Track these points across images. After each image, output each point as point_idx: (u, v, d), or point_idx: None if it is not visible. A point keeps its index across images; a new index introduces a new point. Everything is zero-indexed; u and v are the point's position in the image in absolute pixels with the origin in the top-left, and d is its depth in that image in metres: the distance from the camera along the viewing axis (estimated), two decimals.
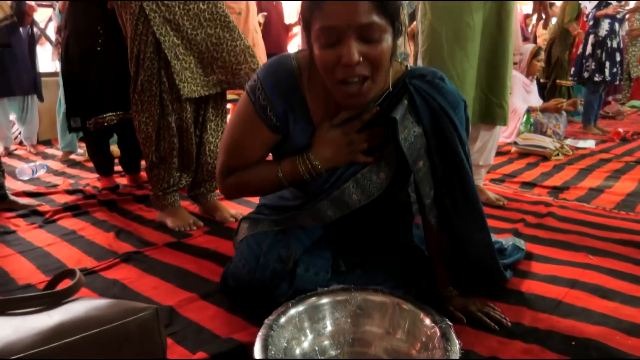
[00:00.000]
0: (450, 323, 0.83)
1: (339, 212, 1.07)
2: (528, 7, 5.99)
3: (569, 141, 3.38)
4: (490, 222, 1.68)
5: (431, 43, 1.75)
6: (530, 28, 6.70)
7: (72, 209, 1.97)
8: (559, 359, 0.89)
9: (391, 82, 0.99)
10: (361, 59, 0.87)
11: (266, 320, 0.86)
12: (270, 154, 1.12)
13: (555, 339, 0.96)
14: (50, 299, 0.80)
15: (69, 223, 1.82)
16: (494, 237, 1.39)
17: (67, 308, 0.78)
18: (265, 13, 3.56)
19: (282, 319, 0.88)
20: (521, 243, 1.41)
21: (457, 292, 1.08)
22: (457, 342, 0.79)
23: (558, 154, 2.90)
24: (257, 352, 0.78)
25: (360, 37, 0.86)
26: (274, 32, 3.82)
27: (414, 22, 2.05)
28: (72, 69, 2.15)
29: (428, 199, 1.02)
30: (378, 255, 1.15)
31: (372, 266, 1.11)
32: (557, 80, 4.79)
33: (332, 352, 0.89)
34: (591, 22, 4.02)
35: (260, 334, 0.83)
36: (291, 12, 4.85)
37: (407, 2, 3.67)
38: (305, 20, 0.92)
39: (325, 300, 0.94)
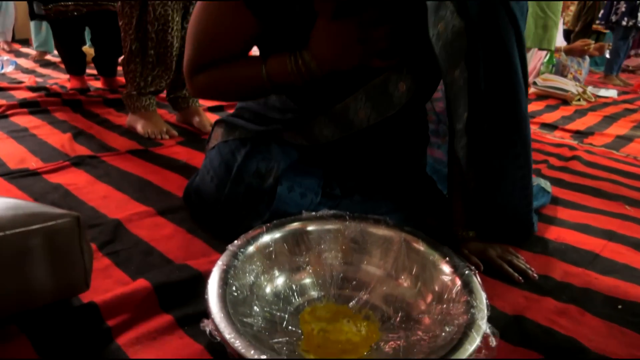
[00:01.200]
0: (475, 270, 0.62)
1: (339, 132, 0.83)
2: None
3: (590, 89, 3.11)
4: None
5: None
6: None
7: (30, 106, 1.71)
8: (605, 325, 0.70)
9: None
10: None
11: (229, 246, 0.64)
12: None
13: (596, 300, 0.76)
14: None
15: (23, 120, 1.57)
16: None
17: None
18: None
19: (251, 247, 0.66)
20: (547, 185, 1.19)
21: (473, 234, 0.87)
22: (483, 295, 0.58)
23: (579, 99, 2.64)
24: (212, 286, 0.57)
25: None
26: None
27: None
28: None
29: (460, 123, 0.76)
30: (382, 180, 0.92)
31: (374, 192, 0.89)
32: (593, 25, 4.36)
33: (314, 294, 0.69)
34: None
35: (219, 262, 0.61)
36: None
37: None
38: None
39: (310, 227, 0.72)
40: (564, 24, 4.30)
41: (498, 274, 0.81)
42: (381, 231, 0.72)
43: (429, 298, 0.64)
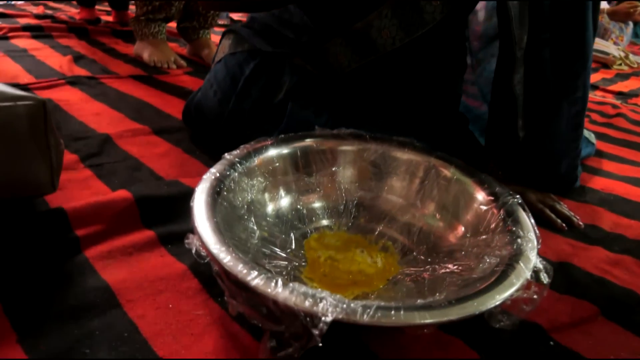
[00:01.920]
0: (520, 197, 0.51)
1: (357, 58, 0.71)
2: None
3: (632, 56, 2.89)
4: None
5: None
6: None
7: (33, 30, 1.60)
8: None
9: None
10: None
11: (226, 155, 0.54)
12: None
13: None
14: None
15: (24, 42, 1.47)
16: None
17: None
18: None
19: (253, 159, 0.55)
20: (591, 136, 1.05)
21: (512, 177, 0.75)
22: (532, 224, 0.47)
23: (621, 64, 2.45)
24: (200, 194, 0.46)
25: None
26: None
27: None
28: None
29: (520, 49, 0.65)
30: (411, 105, 0.80)
31: (401, 117, 0.77)
32: None
33: (323, 221, 0.58)
34: None
35: (212, 170, 0.50)
36: None
37: None
38: None
39: (325, 146, 0.61)
40: None
41: (539, 220, 0.69)
42: (406, 155, 0.60)
43: (461, 230, 0.53)
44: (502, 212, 0.49)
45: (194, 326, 0.42)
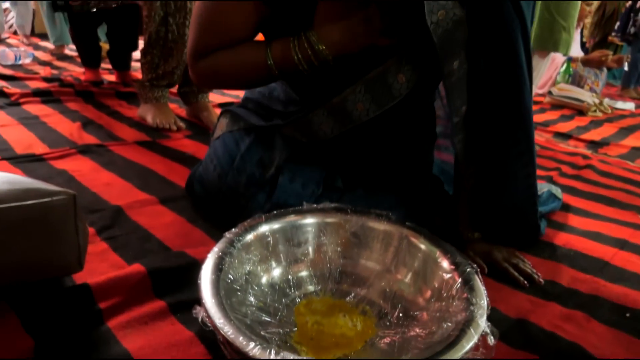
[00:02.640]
0: (477, 268, 0.60)
1: (338, 126, 0.81)
2: None
3: (606, 101, 3.06)
4: None
5: None
6: None
7: (42, 95, 1.72)
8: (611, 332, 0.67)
9: None
10: None
11: (227, 234, 0.63)
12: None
13: (603, 308, 0.73)
14: None
15: (35, 108, 1.58)
16: None
17: None
18: None
19: (249, 235, 0.65)
20: (557, 191, 1.16)
21: (479, 235, 0.85)
22: (484, 293, 0.56)
23: (595, 110, 2.59)
24: (206, 272, 0.55)
25: None
26: None
27: None
28: None
29: (457, 117, 0.75)
30: (386, 177, 0.90)
31: (377, 187, 0.87)
32: (609, 37, 4.32)
33: (310, 288, 0.67)
34: None
35: (215, 249, 0.60)
36: None
37: None
38: None
39: (310, 220, 0.70)
40: (581, 38, 4.25)
41: (503, 277, 0.79)
42: (382, 226, 0.70)
43: (428, 294, 0.62)
44: (461, 279, 0.59)
45: None
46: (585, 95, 2.66)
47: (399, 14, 0.72)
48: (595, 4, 4.31)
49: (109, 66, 2.33)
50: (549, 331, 0.65)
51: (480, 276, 0.59)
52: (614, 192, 1.30)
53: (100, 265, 0.69)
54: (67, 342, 0.54)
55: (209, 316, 0.49)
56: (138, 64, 1.94)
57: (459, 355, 0.47)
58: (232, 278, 0.58)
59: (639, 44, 3.62)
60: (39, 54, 3.03)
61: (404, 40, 0.74)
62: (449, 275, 0.61)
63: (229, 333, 0.47)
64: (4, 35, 3.72)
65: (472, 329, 0.50)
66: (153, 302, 0.62)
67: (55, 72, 2.38)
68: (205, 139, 1.39)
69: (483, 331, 0.50)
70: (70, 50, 3.19)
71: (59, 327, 0.55)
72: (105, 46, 2.43)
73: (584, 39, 4.52)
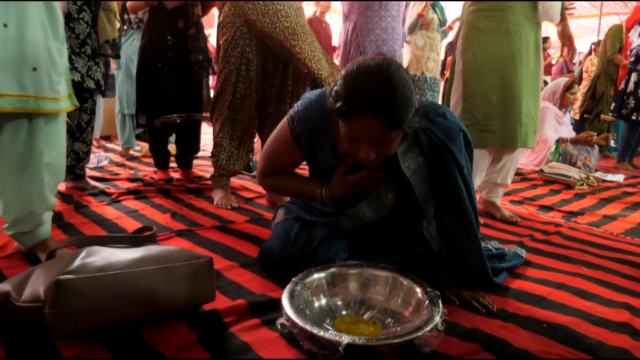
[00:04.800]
0: (439, 293, 1.04)
1: (354, 224, 1.31)
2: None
3: (598, 174, 3.47)
4: (499, 235, 1.86)
5: (474, 73, 1.96)
6: (578, 63, 6.75)
7: (134, 193, 2.28)
8: (528, 334, 1.08)
9: None
10: (374, 155, 1.12)
11: (293, 279, 1.10)
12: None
13: (530, 322, 1.14)
14: (135, 240, 1.07)
15: (132, 204, 2.12)
16: (497, 245, 1.58)
17: (147, 248, 1.04)
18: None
19: (307, 280, 1.11)
20: (522, 252, 1.59)
21: (453, 283, 1.28)
22: (441, 307, 1.00)
23: (582, 184, 3.01)
24: (285, 299, 1.02)
25: (376, 142, 1.11)
26: None
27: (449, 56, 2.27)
28: (146, 73, 2.50)
29: (429, 215, 1.22)
30: (389, 245, 1.36)
31: (383, 252, 1.33)
32: (602, 115, 4.83)
33: (343, 312, 1.12)
34: (633, 59, 4.04)
35: (287, 287, 1.06)
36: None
37: (441, 31, 3.91)
38: (333, 109, 1.12)
39: (342, 271, 1.17)
40: (571, 117, 4.75)
41: (468, 307, 1.21)
42: (383, 273, 1.16)
43: (410, 309, 1.06)
44: (428, 300, 1.03)
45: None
46: (573, 172, 3.09)
47: (383, 173, 1.26)
48: (582, 88, 4.86)
49: (174, 165, 2.90)
50: (489, 333, 1.08)
51: (440, 299, 1.03)
52: (570, 251, 1.71)
53: (218, 301, 1.16)
54: (208, 343, 0.99)
55: (289, 319, 0.95)
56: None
57: (421, 333, 0.91)
58: (298, 303, 1.04)
59: (630, 124, 4.03)
60: (111, 155, 3.68)
61: (389, 178, 1.26)
62: (421, 298, 1.05)
63: (304, 325, 0.92)
64: None
65: (430, 323, 0.94)
66: (252, 320, 1.07)
67: (131, 172, 2.98)
68: (260, 223, 1.88)
69: (436, 323, 0.94)
70: (134, 151, 3.84)
71: (204, 333, 1.01)
72: (172, 147, 3.04)
73: (577, 117, 5.04)
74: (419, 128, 1.17)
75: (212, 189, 2.28)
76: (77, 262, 0.90)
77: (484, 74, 1.94)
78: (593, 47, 6.01)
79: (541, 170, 3.19)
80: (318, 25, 4.69)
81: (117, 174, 2.88)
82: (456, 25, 2.43)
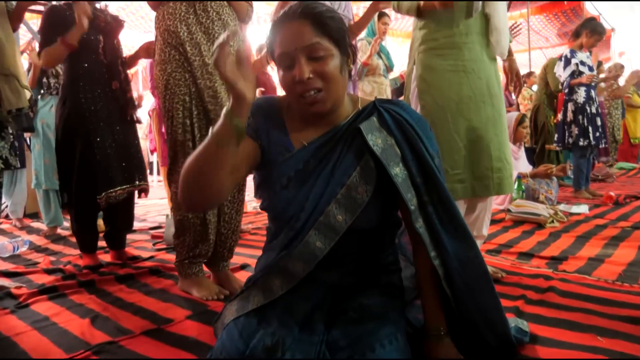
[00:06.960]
0: None
1: (328, 240, 1.07)
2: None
3: (562, 206, 3.35)
4: None
5: (436, 118, 1.73)
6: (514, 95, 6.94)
7: (48, 291, 1.86)
8: None
9: (361, 105, 1.15)
10: (311, 75, 1.04)
11: None
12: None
13: None
14: None
15: (43, 307, 1.71)
16: None
17: None
18: (262, 89, 3.65)
19: None
20: (524, 325, 1.32)
21: (444, 331, 1.11)
22: None
23: (553, 221, 2.85)
24: None
25: (309, 57, 1.04)
26: None
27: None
28: (70, 145, 2.15)
29: (412, 205, 1.06)
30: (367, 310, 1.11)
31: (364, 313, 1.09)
32: (546, 145, 4.87)
33: None
34: (566, 90, 4.07)
35: None
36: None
37: (392, 79, 3.81)
38: (271, 53, 1.11)
39: None
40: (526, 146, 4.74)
41: None
42: None
43: None
44: None
45: None
46: (540, 209, 2.93)
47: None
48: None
49: (103, 243, 2.49)
50: None
51: None
52: (574, 314, 1.46)
53: None
54: None
55: None
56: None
57: None
58: None
59: (578, 151, 4.03)
60: (33, 238, 3.19)
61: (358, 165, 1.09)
62: None
63: None
64: None
65: None
66: None
67: (53, 258, 2.53)
68: (205, 318, 1.52)
69: None
70: (63, 229, 3.38)
71: None
72: (100, 226, 2.62)
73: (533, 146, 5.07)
74: (383, 110, 1.10)
75: (177, 276, 1.86)
76: None
77: (447, 118, 1.72)
78: (524, 79, 6.19)
79: (508, 210, 3.02)
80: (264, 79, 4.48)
81: (36, 263, 2.44)
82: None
